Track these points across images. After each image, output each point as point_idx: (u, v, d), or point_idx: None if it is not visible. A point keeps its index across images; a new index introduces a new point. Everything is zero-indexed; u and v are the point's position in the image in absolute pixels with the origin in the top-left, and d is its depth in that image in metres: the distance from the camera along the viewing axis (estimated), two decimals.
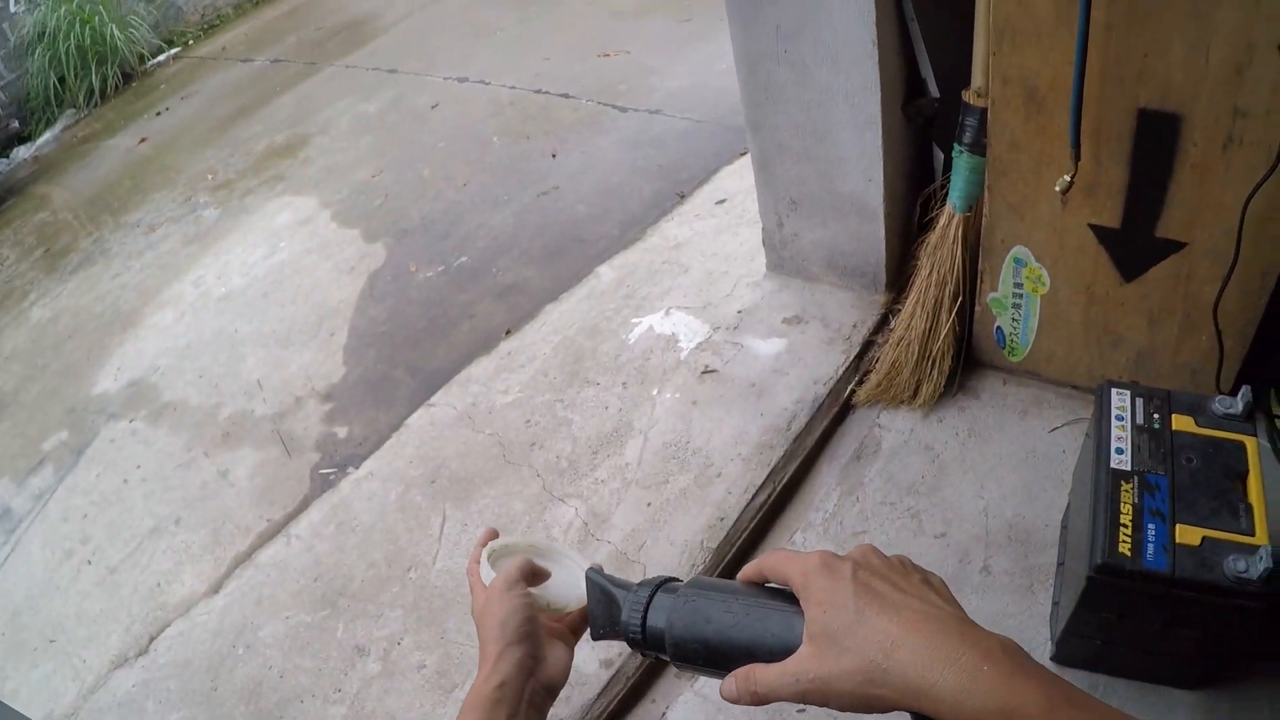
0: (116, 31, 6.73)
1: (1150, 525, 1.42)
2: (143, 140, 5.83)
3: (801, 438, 2.33)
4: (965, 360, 2.34)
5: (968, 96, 2.02)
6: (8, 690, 2.51)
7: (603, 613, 0.83)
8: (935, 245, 2.22)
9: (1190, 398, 1.59)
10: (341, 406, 3.04)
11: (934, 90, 2.26)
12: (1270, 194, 1.63)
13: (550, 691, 0.85)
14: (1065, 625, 1.63)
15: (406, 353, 3.18)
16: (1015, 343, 2.24)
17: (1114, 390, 1.62)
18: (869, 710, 0.62)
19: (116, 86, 6.86)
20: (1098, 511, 1.46)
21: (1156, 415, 1.56)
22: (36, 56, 6.56)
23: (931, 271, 2.22)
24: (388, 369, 3.14)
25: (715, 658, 0.72)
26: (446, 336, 3.19)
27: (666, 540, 2.22)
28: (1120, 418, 1.57)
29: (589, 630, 0.87)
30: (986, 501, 2.09)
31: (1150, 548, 1.40)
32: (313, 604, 2.39)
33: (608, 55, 4.81)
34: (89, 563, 2.78)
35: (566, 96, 4.50)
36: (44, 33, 6.53)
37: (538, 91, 4.65)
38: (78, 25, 6.53)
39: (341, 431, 2.93)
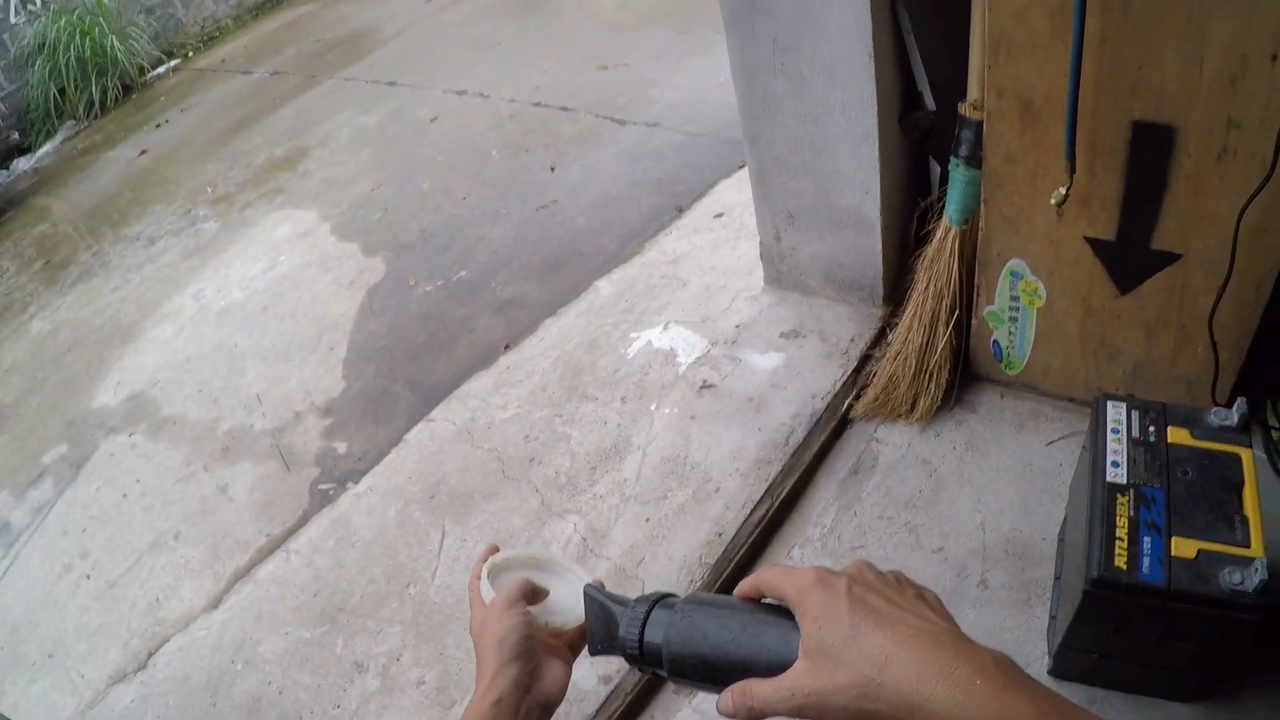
0: (116, 43, 6.76)
1: (1146, 538, 1.43)
2: (143, 152, 5.85)
3: (799, 452, 2.33)
4: (962, 374, 2.35)
5: (964, 109, 2.04)
6: (6, 704, 2.51)
7: (600, 629, 0.84)
8: (932, 258, 2.23)
9: (1186, 410, 1.59)
10: (341, 421, 3.05)
11: (930, 103, 2.27)
12: (1264, 205, 1.64)
13: (547, 708, 0.85)
14: (1062, 639, 1.63)
15: (406, 367, 3.19)
16: (1012, 356, 2.25)
17: (1109, 403, 1.62)
18: None
19: (116, 98, 6.89)
20: (1093, 525, 1.47)
21: (1152, 428, 1.57)
22: (37, 68, 6.59)
23: (928, 285, 2.23)
24: (387, 384, 3.14)
25: (712, 673, 0.73)
26: (446, 351, 3.19)
27: (665, 556, 2.22)
28: (1116, 431, 1.58)
29: (587, 646, 0.88)
30: (984, 515, 2.09)
31: (1146, 561, 1.40)
32: (312, 620, 2.39)
33: (606, 68, 4.83)
34: (88, 577, 2.78)
35: (565, 109, 4.52)
36: (44, 44, 6.56)
37: (537, 104, 4.66)
38: (78, 37, 6.56)
39: (341, 446, 2.94)
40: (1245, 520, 1.42)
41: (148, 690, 2.39)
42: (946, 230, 2.18)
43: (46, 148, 6.56)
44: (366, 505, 2.66)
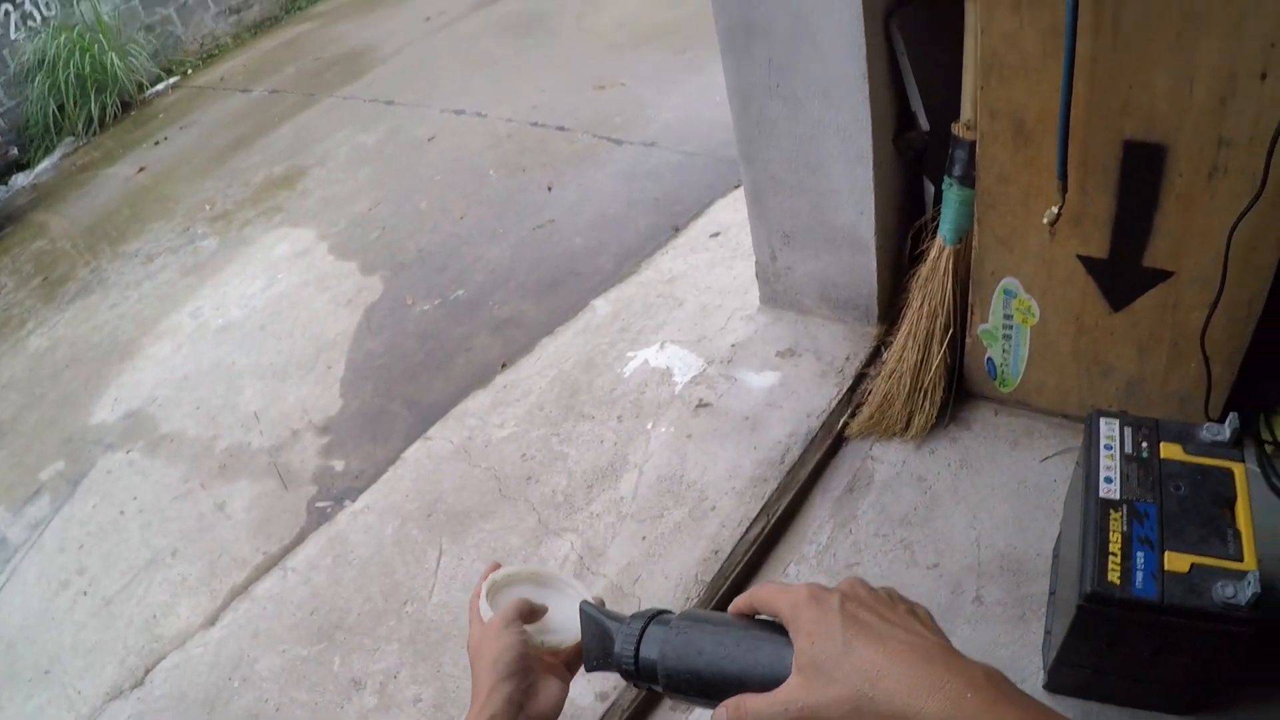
0: (116, 60, 6.80)
1: (1139, 553, 1.44)
2: (141, 169, 5.87)
3: (795, 470, 2.34)
4: (957, 391, 2.36)
5: (957, 129, 2.05)
6: None
7: (596, 645, 0.85)
8: (926, 277, 2.24)
9: (1178, 426, 1.60)
10: (338, 439, 3.05)
11: (924, 123, 2.28)
12: (1255, 221, 1.65)
13: None
14: (1057, 654, 1.64)
15: (403, 386, 3.20)
16: (1006, 373, 2.26)
17: (1102, 420, 1.63)
18: None
19: (115, 115, 6.92)
20: (1087, 540, 1.48)
21: (1145, 444, 1.58)
22: (36, 84, 6.62)
23: (923, 303, 2.25)
24: (384, 402, 3.15)
25: (707, 688, 0.74)
26: (443, 370, 3.20)
27: (661, 574, 2.23)
28: (1109, 447, 1.59)
29: (583, 663, 0.88)
30: (979, 532, 2.10)
31: (1139, 575, 1.41)
32: (309, 637, 2.39)
33: (603, 88, 4.86)
34: (85, 593, 2.78)
35: (562, 129, 4.54)
36: (44, 60, 6.60)
37: (534, 124, 4.69)
38: (77, 53, 6.60)
39: (338, 465, 2.94)
40: (1238, 534, 1.42)
41: (144, 707, 2.39)
42: (940, 249, 2.20)
43: (45, 164, 6.59)
44: (364, 523, 2.66)
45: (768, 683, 0.69)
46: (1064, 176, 1.77)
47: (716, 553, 2.22)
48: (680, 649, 0.76)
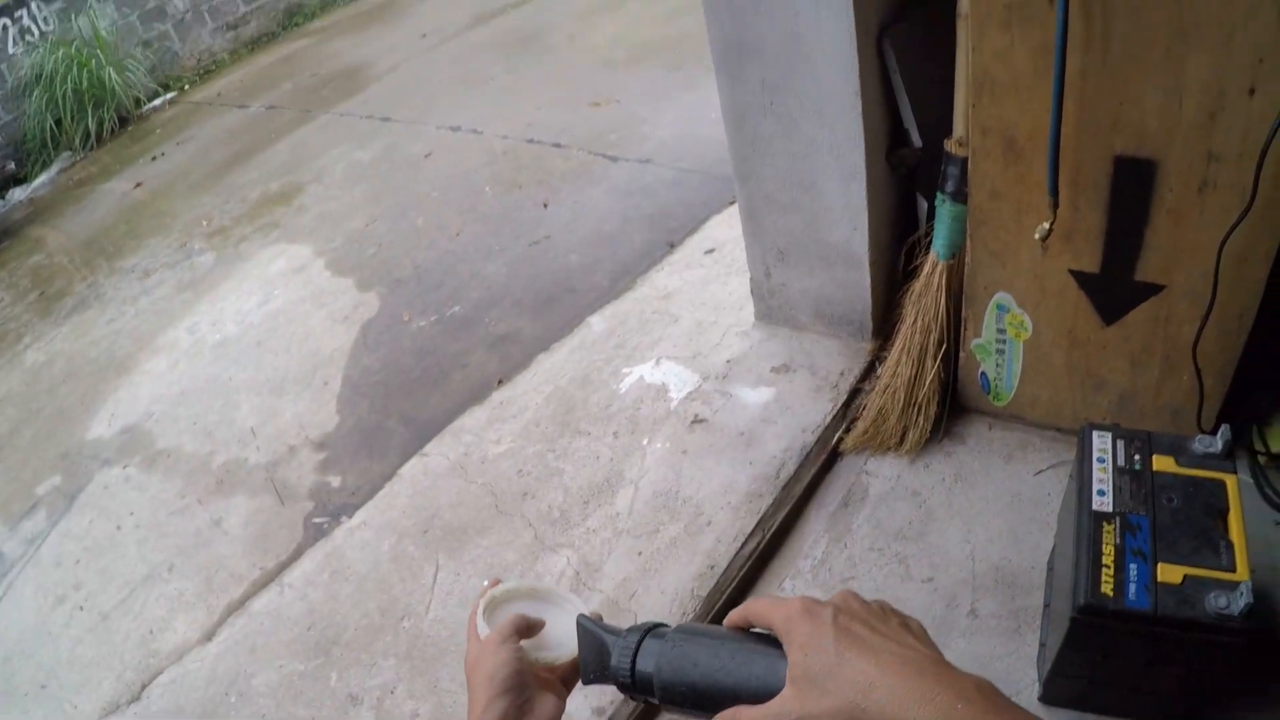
0: (113, 75, 6.83)
1: (1132, 565, 1.45)
2: (138, 185, 5.88)
3: (790, 486, 2.35)
4: (951, 406, 2.37)
5: (950, 146, 2.07)
6: None
7: (593, 658, 0.86)
8: (920, 293, 2.25)
9: (1170, 438, 1.61)
10: (335, 455, 3.06)
11: (917, 140, 2.30)
12: (1245, 235, 1.67)
13: None
14: (1051, 666, 1.65)
15: (399, 402, 3.20)
16: (1000, 388, 2.28)
17: (1095, 433, 1.64)
18: None
19: (113, 130, 6.95)
20: (1080, 553, 1.49)
21: (1137, 456, 1.59)
22: (34, 98, 6.65)
23: (916, 319, 2.26)
24: (381, 418, 3.16)
25: (702, 700, 0.75)
26: (439, 386, 3.21)
27: (658, 589, 2.23)
28: (1101, 460, 1.60)
29: (580, 676, 0.89)
30: (973, 545, 2.11)
31: (1132, 587, 1.42)
32: (306, 653, 2.39)
33: (598, 105, 4.89)
34: (81, 608, 2.78)
35: (558, 146, 4.57)
36: (41, 75, 6.63)
37: (530, 141, 4.71)
38: (75, 68, 6.63)
39: (335, 480, 2.95)
40: (1230, 545, 1.43)
41: None
42: (934, 265, 2.21)
43: (42, 178, 6.60)
44: (360, 539, 2.66)
45: (762, 695, 0.70)
46: (1055, 192, 1.78)
47: (712, 568, 2.23)
48: (676, 662, 0.76)
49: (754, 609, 0.75)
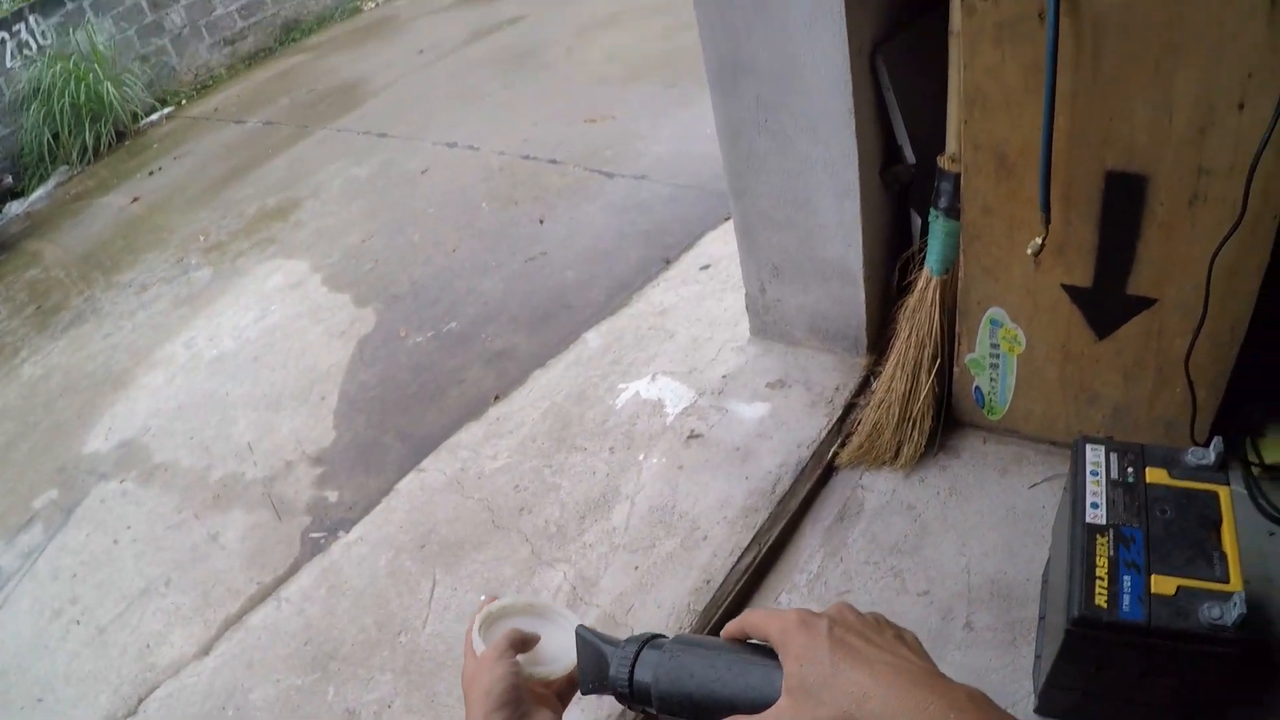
0: (111, 89, 6.86)
1: (1126, 577, 1.45)
2: (135, 199, 5.90)
3: (786, 500, 2.36)
4: (945, 420, 2.38)
5: (943, 162, 2.09)
6: None
7: (592, 668, 0.86)
8: (914, 308, 2.27)
9: (1163, 451, 1.62)
10: (332, 471, 3.06)
11: (910, 157, 2.32)
12: (1236, 248, 1.69)
13: None
14: (1046, 678, 1.65)
15: (396, 418, 3.21)
16: (994, 402, 2.29)
17: (1088, 446, 1.65)
18: None
19: (110, 144, 6.97)
20: (1074, 565, 1.50)
21: (1130, 469, 1.60)
22: (31, 112, 6.68)
23: (910, 334, 2.27)
24: (378, 434, 3.16)
25: (699, 710, 0.75)
26: (436, 402, 3.22)
27: (654, 603, 2.24)
28: (1095, 473, 1.61)
29: (579, 686, 0.90)
30: (968, 558, 2.12)
31: (1126, 599, 1.43)
32: (303, 667, 2.39)
33: (594, 121, 4.91)
34: (78, 622, 2.77)
35: (554, 162, 4.59)
36: (39, 89, 6.66)
37: (526, 157, 4.73)
38: (73, 82, 6.65)
39: (332, 496, 2.95)
40: (1224, 557, 1.44)
41: None
42: (928, 280, 2.23)
43: (39, 192, 6.62)
44: (357, 554, 2.67)
45: (758, 705, 0.70)
46: (1047, 208, 1.80)
47: (708, 582, 2.23)
48: (673, 672, 0.77)
49: (750, 620, 0.76)
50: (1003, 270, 2.02)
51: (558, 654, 0.95)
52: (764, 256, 2.61)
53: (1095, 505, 1.56)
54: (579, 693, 0.90)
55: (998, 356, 2.18)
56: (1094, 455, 1.64)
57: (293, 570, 2.71)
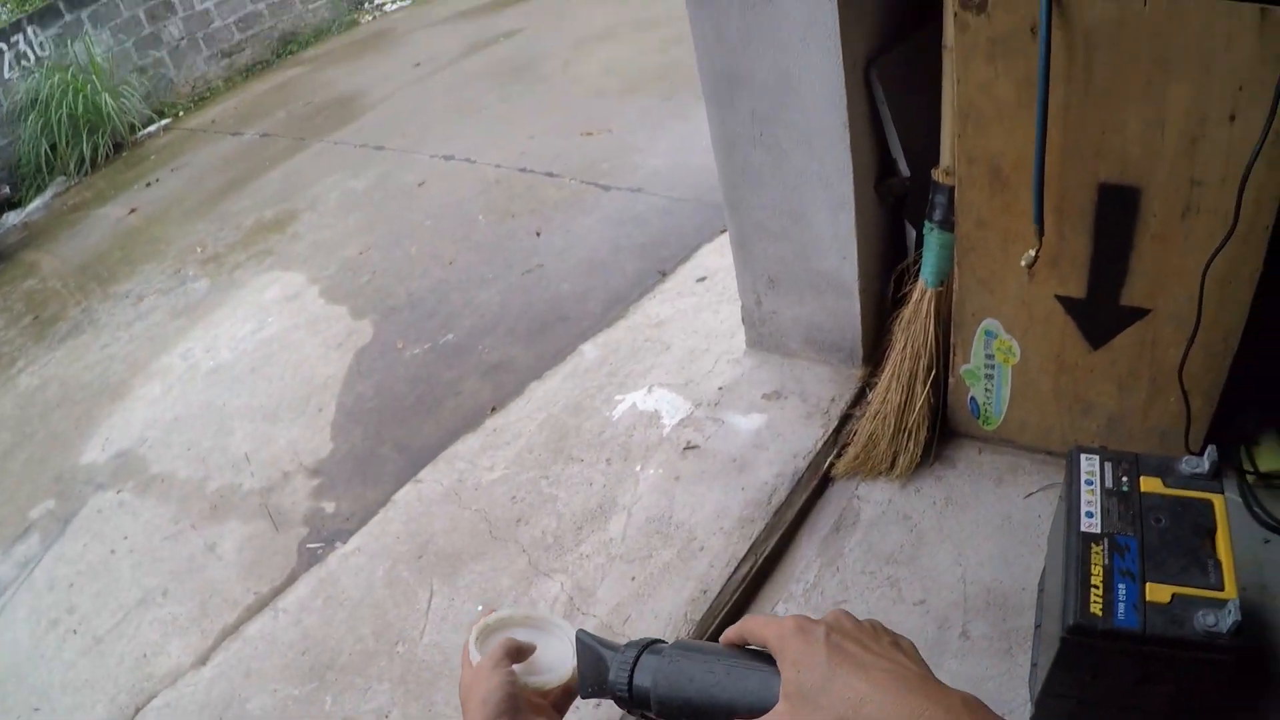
0: (109, 101, 6.87)
1: (1121, 585, 1.46)
2: (133, 210, 5.90)
3: (782, 511, 2.37)
4: (941, 430, 2.39)
5: (937, 175, 2.10)
6: None
7: (592, 672, 0.87)
8: (909, 320, 2.28)
9: (1158, 460, 1.63)
10: (329, 482, 3.06)
11: (904, 169, 2.33)
12: (1229, 258, 1.70)
13: None
14: (1042, 686, 1.66)
15: (393, 429, 3.21)
16: (989, 412, 2.30)
17: (1083, 456, 1.66)
18: None
19: (107, 155, 6.98)
20: (1069, 574, 1.50)
21: (1125, 478, 1.61)
22: (29, 123, 6.69)
23: (906, 345, 2.28)
24: (375, 445, 3.17)
25: (698, 715, 0.76)
26: (433, 413, 3.22)
27: (651, 613, 2.24)
28: (1090, 482, 1.62)
29: (578, 689, 0.90)
30: (964, 568, 2.13)
31: (1121, 607, 1.44)
32: (300, 677, 2.39)
33: (591, 134, 4.93)
34: (75, 632, 2.77)
35: (551, 175, 4.60)
36: (37, 100, 6.67)
37: (523, 170, 4.74)
38: (70, 93, 6.67)
39: (329, 506, 2.95)
40: (1218, 564, 1.45)
41: None
42: (922, 292, 2.24)
43: (37, 203, 6.63)
44: (355, 565, 2.67)
45: (756, 710, 0.71)
46: (1040, 220, 1.81)
47: (705, 592, 2.24)
48: (672, 677, 0.78)
49: (749, 626, 0.77)
50: (997, 282, 2.03)
51: (554, 664, 0.95)
52: (760, 269, 2.63)
53: (1090, 514, 1.57)
54: (579, 696, 0.91)
55: (993, 367, 2.20)
56: (1089, 464, 1.65)
57: (290, 581, 2.71)
